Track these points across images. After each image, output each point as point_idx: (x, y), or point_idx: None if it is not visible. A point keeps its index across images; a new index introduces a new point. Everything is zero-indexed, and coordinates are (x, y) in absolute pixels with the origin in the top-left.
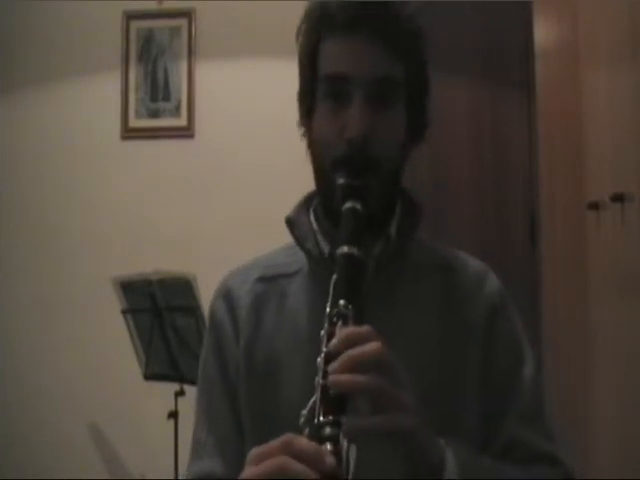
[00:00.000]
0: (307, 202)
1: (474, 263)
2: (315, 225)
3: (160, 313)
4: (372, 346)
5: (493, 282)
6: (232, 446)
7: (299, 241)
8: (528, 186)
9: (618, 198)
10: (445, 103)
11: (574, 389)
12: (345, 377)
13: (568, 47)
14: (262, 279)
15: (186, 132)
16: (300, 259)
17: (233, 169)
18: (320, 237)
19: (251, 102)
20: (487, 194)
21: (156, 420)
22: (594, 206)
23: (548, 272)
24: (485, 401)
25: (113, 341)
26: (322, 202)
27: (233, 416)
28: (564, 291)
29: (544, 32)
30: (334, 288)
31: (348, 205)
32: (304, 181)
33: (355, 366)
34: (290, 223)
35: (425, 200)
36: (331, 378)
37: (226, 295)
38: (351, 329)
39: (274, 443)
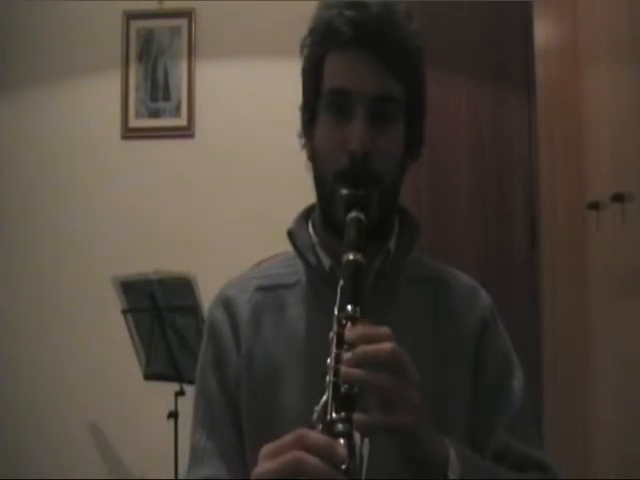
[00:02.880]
0: (306, 214)
1: (466, 279)
2: (314, 238)
3: (160, 313)
4: (386, 345)
5: (484, 297)
6: (232, 452)
7: (300, 252)
8: (528, 186)
9: (618, 198)
10: (445, 103)
11: (574, 389)
12: (357, 372)
13: (568, 47)
14: (261, 289)
15: (186, 132)
16: (299, 270)
17: (233, 169)
18: (319, 249)
19: (251, 102)
20: (487, 194)
21: (156, 420)
22: (594, 206)
23: (548, 272)
24: (476, 412)
25: (113, 341)
26: (322, 213)
27: (233, 423)
28: (564, 291)
29: (544, 32)
30: (341, 292)
31: (352, 215)
32: (304, 181)
33: (368, 361)
34: (291, 235)
35: (425, 200)
36: (343, 370)
37: (225, 303)
38: (370, 326)
39: (287, 438)
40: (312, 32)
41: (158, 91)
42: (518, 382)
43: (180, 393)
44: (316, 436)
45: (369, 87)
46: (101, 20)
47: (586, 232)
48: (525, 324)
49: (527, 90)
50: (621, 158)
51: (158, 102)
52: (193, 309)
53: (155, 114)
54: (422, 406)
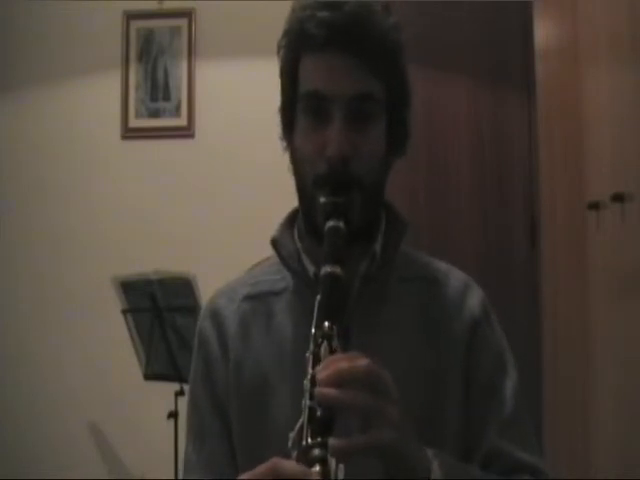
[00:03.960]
0: (290, 220)
1: (457, 275)
2: (299, 244)
3: (160, 313)
4: (359, 362)
5: (475, 294)
6: (224, 463)
7: (285, 261)
8: (528, 186)
9: (618, 198)
10: (445, 103)
11: (574, 389)
12: (331, 391)
13: (568, 47)
14: (249, 297)
15: (186, 132)
16: (287, 277)
17: (233, 169)
18: (304, 256)
19: (251, 102)
20: (487, 194)
21: (156, 420)
22: (594, 206)
23: (548, 272)
24: (467, 412)
25: (113, 341)
26: (305, 219)
27: (224, 436)
28: (564, 291)
29: (544, 32)
30: (318, 309)
31: (330, 224)
32: None
33: (342, 380)
34: (275, 243)
35: (425, 201)
36: (318, 391)
37: (213, 315)
38: (337, 355)
39: (261, 468)
40: (286, 34)
41: (158, 91)
42: (512, 381)
43: (180, 393)
44: (290, 465)
45: (345, 88)
46: (101, 20)
47: (586, 232)
48: (525, 324)
49: (527, 90)
50: (621, 158)
51: (158, 102)
52: (193, 309)
53: (155, 114)
54: (403, 421)
